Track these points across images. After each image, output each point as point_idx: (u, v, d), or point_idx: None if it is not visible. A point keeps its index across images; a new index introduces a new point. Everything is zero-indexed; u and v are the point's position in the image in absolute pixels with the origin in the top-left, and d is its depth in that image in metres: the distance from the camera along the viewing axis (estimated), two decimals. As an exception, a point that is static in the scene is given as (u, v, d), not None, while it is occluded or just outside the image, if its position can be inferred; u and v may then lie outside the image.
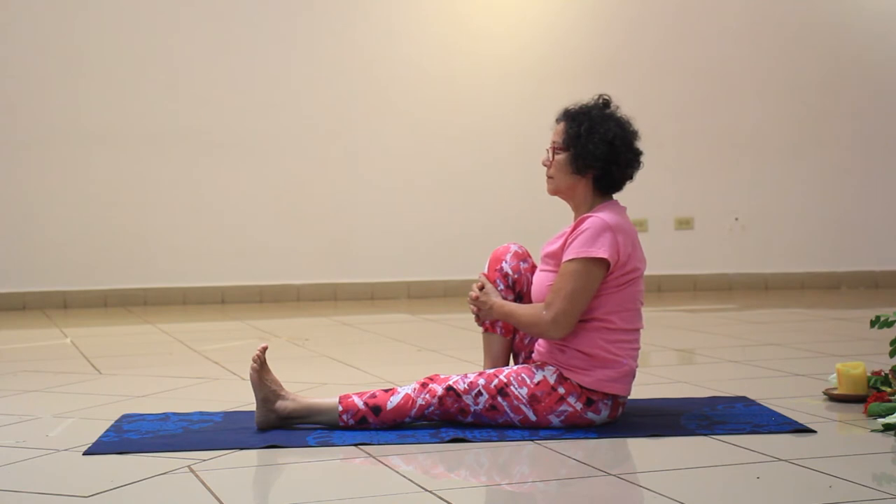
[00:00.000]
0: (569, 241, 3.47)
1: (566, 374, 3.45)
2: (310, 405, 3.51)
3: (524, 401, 3.44)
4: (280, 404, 3.49)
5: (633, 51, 8.23)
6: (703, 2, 8.32)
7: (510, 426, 3.46)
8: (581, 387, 3.44)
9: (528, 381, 3.46)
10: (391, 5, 8.05)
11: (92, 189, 7.68)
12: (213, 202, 7.83)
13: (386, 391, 3.52)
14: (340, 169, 7.99)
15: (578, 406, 3.43)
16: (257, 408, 3.51)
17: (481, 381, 3.47)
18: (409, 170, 8.04)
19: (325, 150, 7.96)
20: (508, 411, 3.45)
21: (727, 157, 8.33)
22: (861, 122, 8.39)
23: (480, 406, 3.46)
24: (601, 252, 3.39)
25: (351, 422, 3.47)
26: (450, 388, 3.47)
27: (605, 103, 3.59)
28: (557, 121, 3.61)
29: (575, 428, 3.45)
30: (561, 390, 3.44)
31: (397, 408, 3.47)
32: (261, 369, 3.50)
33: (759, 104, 8.34)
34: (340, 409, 3.48)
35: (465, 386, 3.47)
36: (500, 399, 3.45)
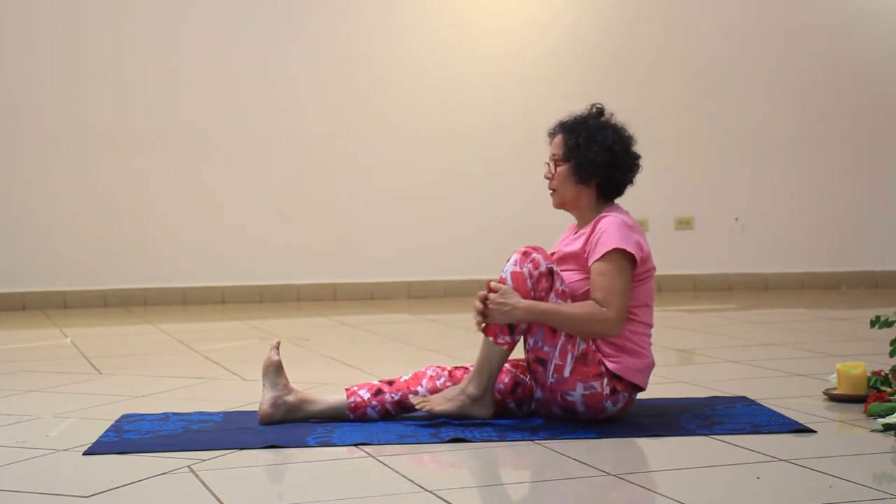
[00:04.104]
0: (591, 239, 3.51)
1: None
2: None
3: (577, 353, 3.45)
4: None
5: (634, 50, 8.23)
6: (704, 1, 8.32)
7: (524, 396, 3.56)
8: (611, 374, 3.48)
9: (587, 345, 3.48)
10: (391, 5, 8.05)
11: (92, 189, 7.68)
12: (213, 202, 7.83)
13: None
14: (341, 169, 7.99)
15: (605, 391, 3.47)
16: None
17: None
18: (409, 170, 8.04)
19: (325, 150, 7.96)
20: (556, 350, 3.44)
21: (727, 157, 8.33)
22: (861, 122, 8.39)
23: (538, 334, 3.44)
24: (631, 247, 3.46)
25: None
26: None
27: (600, 112, 3.65)
28: (551, 134, 3.67)
29: (588, 408, 3.47)
30: (602, 367, 3.48)
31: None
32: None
33: (760, 104, 8.34)
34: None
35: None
36: (562, 336, 3.44)
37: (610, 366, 3.48)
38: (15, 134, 7.61)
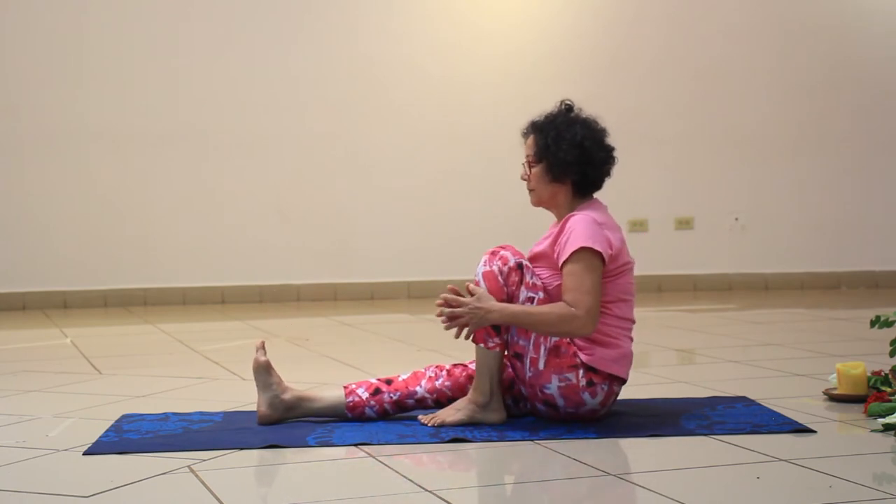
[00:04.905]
0: (560, 239, 3.50)
1: None
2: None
3: (549, 345, 3.46)
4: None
5: (634, 50, 8.23)
6: (704, 1, 8.32)
7: (510, 384, 3.58)
8: (586, 366, 3.47)
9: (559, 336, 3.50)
10: (391, 5, 8.05)
11: (92, 189, 7.68)
12: (213, 202, 7.83)
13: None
14: (341, 169, 7.99)
15: (581, 382, 3.47)
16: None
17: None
18: (409, 170, 8.04)
19: (325, 150, 7.96)
20: (531, 343, 3.46)
21: (727, 157, 8.32)
22: (862, 122, 8.39)
23: (512, 330, 3.47)
24: (598, 245, 3.45)
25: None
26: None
27: (568, 108, 3.66)
28: (525, 135, 3.70)
29: (567, 401, 3.47)
30: (576, 360, 3.47)
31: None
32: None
33: (760, 104, 8.33)
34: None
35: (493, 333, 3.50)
36: (533, 334, 3.46)
37: (584, 358, 3.48)
38: (15, 134, 7.61)
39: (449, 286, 3.51)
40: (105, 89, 7.68)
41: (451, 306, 3.46)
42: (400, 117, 8.04)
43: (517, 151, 8.43)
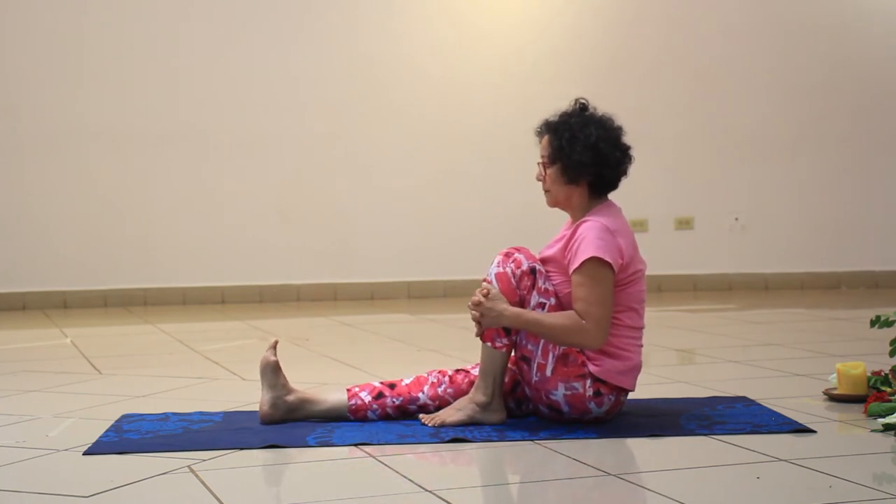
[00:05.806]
0: (571, 246, 3.48)
1: None
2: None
3: (558, 352, 3.45)
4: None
5: (634, 50, 8.23)
6: (704, 1, 8.32)
7: (515, 387, 3.58)
8: (594, 377, 3.46)
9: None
10: (391, 5, 8.05)
11: (92, 189, 7.68)
12: (213, 202, 7.83)
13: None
14: (341, 169, 7.99)
15: (588, 392, 3.46)
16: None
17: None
18: (410, 170, 8.04)
19: (325, 150, 7.96)
20: (539, 348, 3.45)
21: (727, 157, 8.33)
22: (862, 122, 8.39)
23: (522, 333, 3.46)
24: (608, 255, 3.42)
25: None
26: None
27: (583, 107, 3.59)
28: (539, 134, 3.63)
29: (572, 409, 3.47)
30: (584, 369, 3.46)
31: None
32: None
33: (760, 104, 8.33)
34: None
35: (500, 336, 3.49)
36: (542, 340, 3.45)
37: (592, 369, 3.46)
38: (15, 134, 7.61)
39: (473, 299, 3.46)
40: (105, 89, 7.68)
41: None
42: (400, 117, 8.03)
43: (517, 151, 8.48)
